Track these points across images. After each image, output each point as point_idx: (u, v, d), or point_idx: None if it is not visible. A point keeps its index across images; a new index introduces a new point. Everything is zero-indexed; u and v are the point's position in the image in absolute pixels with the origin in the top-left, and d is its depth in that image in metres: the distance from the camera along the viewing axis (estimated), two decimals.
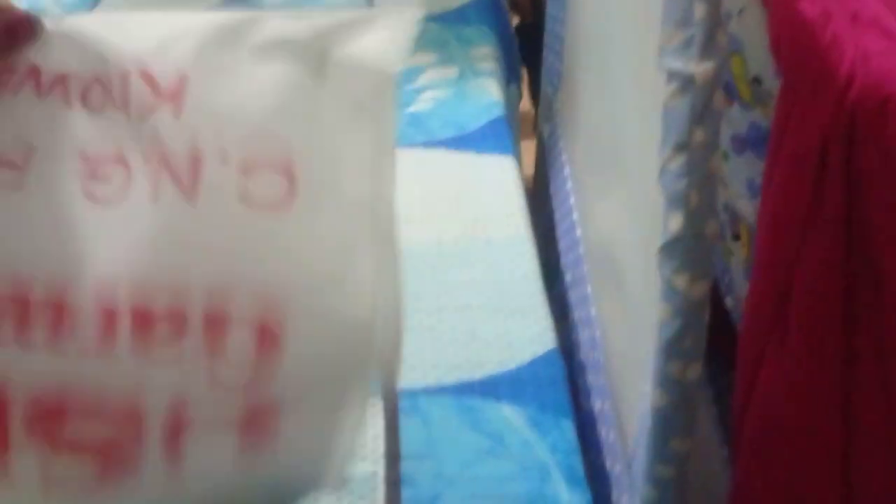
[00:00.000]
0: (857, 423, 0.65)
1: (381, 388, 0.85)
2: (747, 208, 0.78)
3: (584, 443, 0.93)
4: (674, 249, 0.56)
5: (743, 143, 0.77)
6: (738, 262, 0.85)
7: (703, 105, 0.52)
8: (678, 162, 0.54)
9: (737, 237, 0.84)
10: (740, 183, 0.78)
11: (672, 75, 0.54)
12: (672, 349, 0.58)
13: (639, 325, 0.79)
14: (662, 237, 0.57)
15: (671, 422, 0.61)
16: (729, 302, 0.89)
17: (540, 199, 1.40)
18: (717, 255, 0.91)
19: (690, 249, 0.56)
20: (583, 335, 1.05)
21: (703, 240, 0.56)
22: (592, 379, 0.99)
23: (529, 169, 1.42)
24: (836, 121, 0.56)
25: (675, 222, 0.56)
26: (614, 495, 0.84)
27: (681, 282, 0.56)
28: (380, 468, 0.78)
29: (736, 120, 0.77)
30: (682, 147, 0.54)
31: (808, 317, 0.65)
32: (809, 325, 0.65)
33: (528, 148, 1.45)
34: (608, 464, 0.88)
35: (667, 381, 0.59)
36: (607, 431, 0.90)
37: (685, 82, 0.53)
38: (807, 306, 0.64)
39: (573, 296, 1.11)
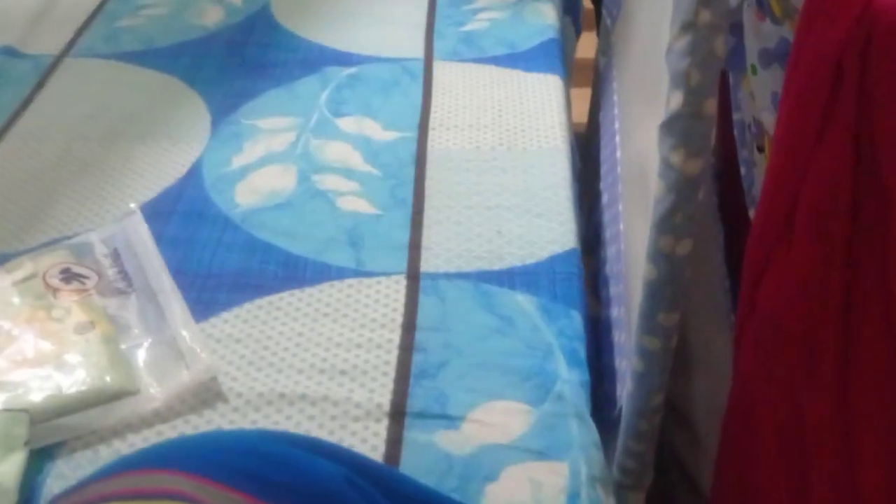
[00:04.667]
0: (857, 334, 0.67)
1: (406, 270, 0.91)
2: (770, 121, 0.80)
3: (600, 346, 0.97)
4: (672, 127, 0.59)
5: (771, 57, 0.78)
6: (760, 173, 0.87)
7: None
8: (683, 41, 0.57)
9: (761, 149, 0.86)
10: (766, 96, 0.80)
11: None
12: (664, 224, 0.62)
13: None
14: (664, 115, 0.60)
15: (659, 295, 0.64)
16: (752, 213, 0.92)
17: (592, 133, 1.42)
18: (746, 167, 0.93)
19: (688, 127, 0.59)
20: (610, 250, 1.09)
21: (701, 119, 0.58)
22: (614, 289, 1.03)
23: (582, 117, 1.43)
24: (854, 35, 0.57)
25: (676, 100, 0.59)
26: (618, 389, 0.89)
27: (676, 158, 0.59)
28: (396, 336, 0.84)
29: (766, 34, 0.79)
30: (687, 27, 0.57)
31: (814, 226, 0.67)
32: (815, 234, 0.67)
33: (583, 95, 1.46)
34: (617, 362, 0.93)
35: (657, 256, 0.63)
36: (620, 334, 0.95)
37: None
38: (813, 216, 0.66)
39: (607, 216, 1.15)
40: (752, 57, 0.81)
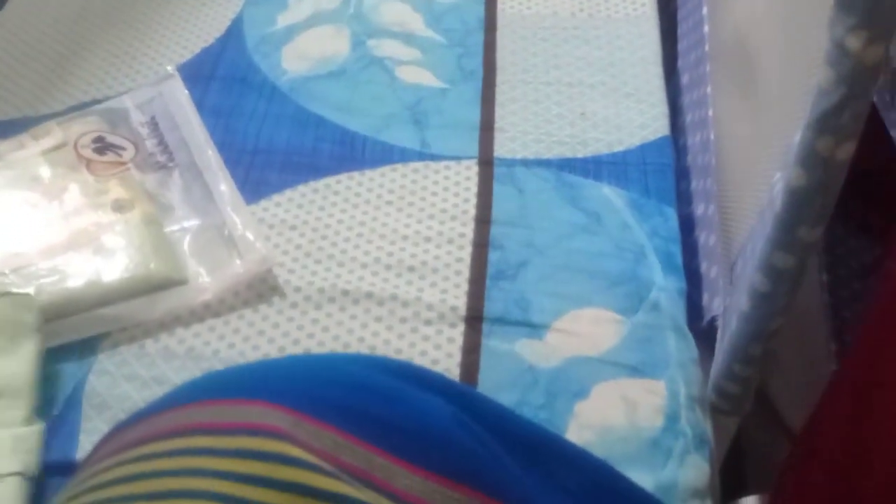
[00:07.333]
0: None
1: (477, 154, 0.82)
2: None
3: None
4: (853, 3, 0.48)
5: None
6: None
7: None
8: None
9: None
10: None
11: None
12: (827, 122, 0.51)
13: (770, 123, 0.72)
14: None
15: (806, 205, 0.55)
16: None
17: (661, 5, 1.29)
18: None
19: (876, 2, 0.47)
20: (692, 139, 0.98)
21: None
22: (697, 183, 0.93)
23: None
24: None
25: None
26: (705, 298, 0.80)
27: (854, 42, 0.48)
28: (469, 230, 0.75)
29: None
30: None
31: None
32: None
33: None
34: (703, 266, 0.84)
35: (811, 159, 0.53)
36: (707, 235, 0.86)
37: None
38: None
39: (687, 98, 1.03)
40: None
